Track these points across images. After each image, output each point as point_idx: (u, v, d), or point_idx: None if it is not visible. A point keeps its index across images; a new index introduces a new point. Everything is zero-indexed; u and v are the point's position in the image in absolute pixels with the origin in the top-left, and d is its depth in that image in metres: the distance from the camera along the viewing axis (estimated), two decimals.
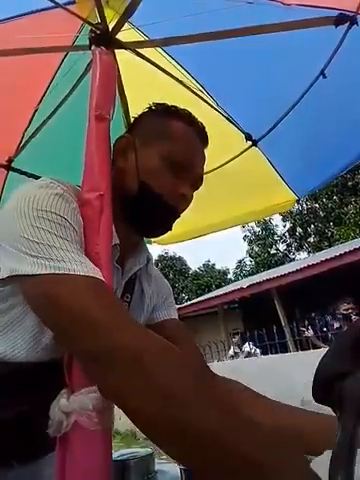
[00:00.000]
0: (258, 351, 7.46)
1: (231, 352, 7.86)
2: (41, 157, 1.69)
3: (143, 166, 0.84)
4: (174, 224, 0.90)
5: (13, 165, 1.70)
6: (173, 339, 0.96)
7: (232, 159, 1.76)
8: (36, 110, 1.58)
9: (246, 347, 7.65)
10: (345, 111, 1.47)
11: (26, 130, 1.63)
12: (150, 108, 0.94)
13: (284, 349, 7.38)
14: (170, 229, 0.89)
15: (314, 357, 4.43)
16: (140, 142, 0.87)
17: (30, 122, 1.62)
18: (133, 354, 0.53)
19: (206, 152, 0.91)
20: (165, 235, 0.94)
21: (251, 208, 1.97)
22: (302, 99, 1.50)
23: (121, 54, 1.28)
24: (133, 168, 0.84)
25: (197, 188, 0.90)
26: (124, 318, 0.60)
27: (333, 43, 1.33)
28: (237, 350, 7.72)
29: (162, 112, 0.90)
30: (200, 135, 0.88)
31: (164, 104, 0.93)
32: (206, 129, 0.91)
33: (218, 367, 6.96)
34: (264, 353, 7.34)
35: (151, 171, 0.83)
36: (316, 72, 1.41)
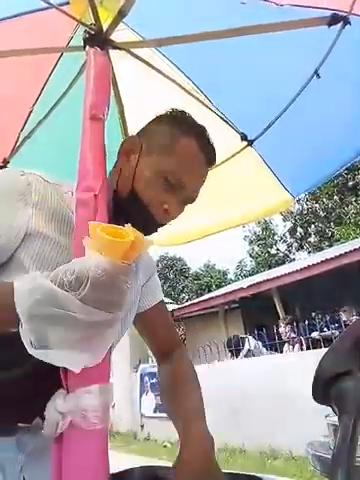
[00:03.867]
0: (262, 347, 7.42)
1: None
2: (36, 158, 1.70)
3: (139, 173, 0.85)
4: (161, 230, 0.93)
5: (8, 166, 1.70)
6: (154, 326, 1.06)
7: (227, 159, 1.76)
8: (31, 111, 1.59)
9: (246, 345, 7.60)
10: (339, 111, 1.47)
11: (21, 131, 1.63)
12: (167, 114, 0.93)
13: (283, 349, 7.37)
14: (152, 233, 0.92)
15: (314, 357, 4.44)
16: (145, 149, 0.88)
17: (25, 123, 1.62)
18: None
19: (207, 173, 0.91)
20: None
21: (248, 209, 1.96)
22: (297, 99, 1.51)
23: (116, 55, 1.28)
24: (131, 172, 0.86)
25: (188, 204, 0.91)
26: None
27: (327, 43, 1.33)
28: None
29: (176, 124, 0.89)
30: (206, 156, 0.88)
31: (182, 114, 0.92)
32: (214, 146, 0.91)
33: (219, 366, 6.95)
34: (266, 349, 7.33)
35: (144, 180, 0.85)
36: (310, 72, 1.41)
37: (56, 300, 0.55)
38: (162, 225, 0.90)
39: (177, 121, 0.90)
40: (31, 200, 0.76)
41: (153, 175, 0.84)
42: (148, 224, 0.86)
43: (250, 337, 7.67)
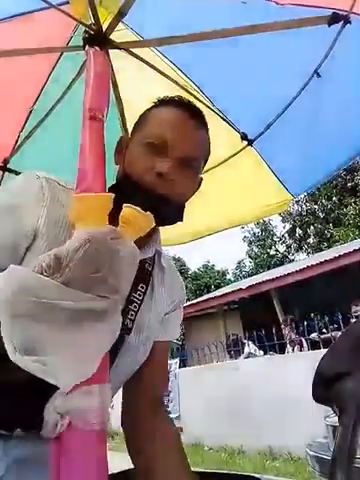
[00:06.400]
0: (261, 352, 7.47)
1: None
2: (36, 158, 1.69)
3: (128, 158, 0.84)
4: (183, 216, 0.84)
5: (8, 166, 1.70)
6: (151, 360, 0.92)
7: (228, 159, 1.76)
8: (31, 111, 1.58)
9: (246, 348, 7.66)
10: (339, 110, 1.47)
11: (21, 131, 1.63)
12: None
13: (283, 350, 7.38)
14: (168, 218, 0.81)
15: (314, 357, 4.44)
16: (131, 136, 0.88)
17: (25, 123, 1.62)
18: None
19: (202, 133, 0.86)
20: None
21: (247, 209, 1.96)
22: (297, 98, 1.51)
23: (116, 54, 1.28)
24: (122, 161, 0.85)
25: (189, 168, 0.82)
26: None
27: (327, 43, 1.34)
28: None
29: (153, 104, 0.89)
30: (185, 113, 0.83)
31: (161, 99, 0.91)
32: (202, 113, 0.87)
33: (218, 367, 6.95)
34: (263, 353, 7.35)
35: (132, 159, 0.82)
36: (310, 72, 1.41)
37: (33, 289, 0.48)
38: (167, 198, 0.78)
39: (154, 103, 0.89)
40: (42, 202, 0.75)
41: (137, 148, 0.82)
42: (152, 202, 0.74)
43: (250, 342, 7.70)
